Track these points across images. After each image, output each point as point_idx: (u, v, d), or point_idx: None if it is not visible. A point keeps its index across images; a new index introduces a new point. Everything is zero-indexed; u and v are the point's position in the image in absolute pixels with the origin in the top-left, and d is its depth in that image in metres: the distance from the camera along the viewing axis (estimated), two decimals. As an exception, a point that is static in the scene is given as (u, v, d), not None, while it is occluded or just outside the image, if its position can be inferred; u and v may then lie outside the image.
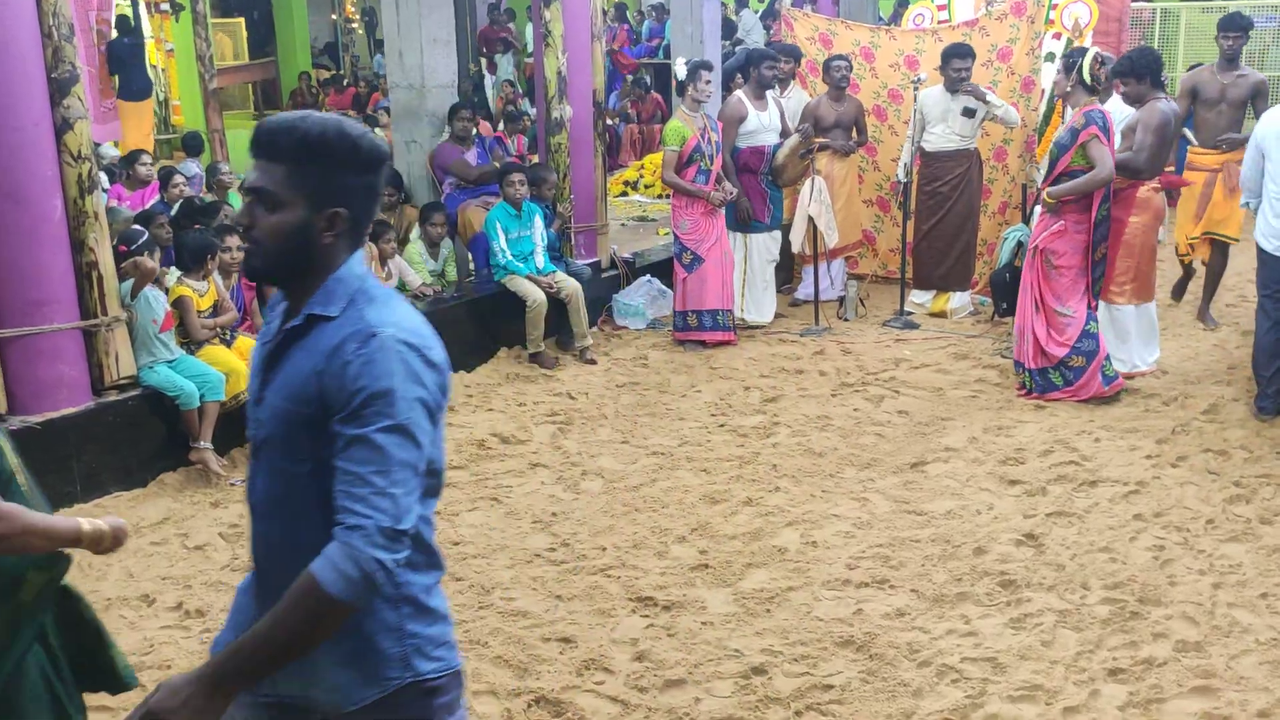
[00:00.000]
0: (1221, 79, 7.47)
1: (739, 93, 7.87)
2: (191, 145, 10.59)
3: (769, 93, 7.94)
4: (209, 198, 8.49)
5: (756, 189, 7.88)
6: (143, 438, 5.38)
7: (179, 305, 5.62)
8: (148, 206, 7.63)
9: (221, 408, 5.51)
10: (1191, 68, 11.60)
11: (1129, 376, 6.63)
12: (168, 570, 4.55)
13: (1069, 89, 6.18)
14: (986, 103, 7.79)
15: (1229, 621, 3.94)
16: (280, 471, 1.98)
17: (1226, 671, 3.65)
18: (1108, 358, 6.31)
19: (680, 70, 7.64)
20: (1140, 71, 6.35)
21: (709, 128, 7.51)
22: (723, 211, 7.63)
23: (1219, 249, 7.61)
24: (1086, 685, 3.61)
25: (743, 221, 7.81)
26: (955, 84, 7.77)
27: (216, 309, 5.82)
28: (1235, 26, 7.42)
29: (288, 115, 1.96)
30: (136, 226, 5.72)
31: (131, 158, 8.88)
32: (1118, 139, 6.34)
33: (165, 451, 5.45)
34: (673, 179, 7.52)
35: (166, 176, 8.33)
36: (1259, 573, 4.28)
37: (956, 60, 7.75)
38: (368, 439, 1.83)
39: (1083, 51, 6.23)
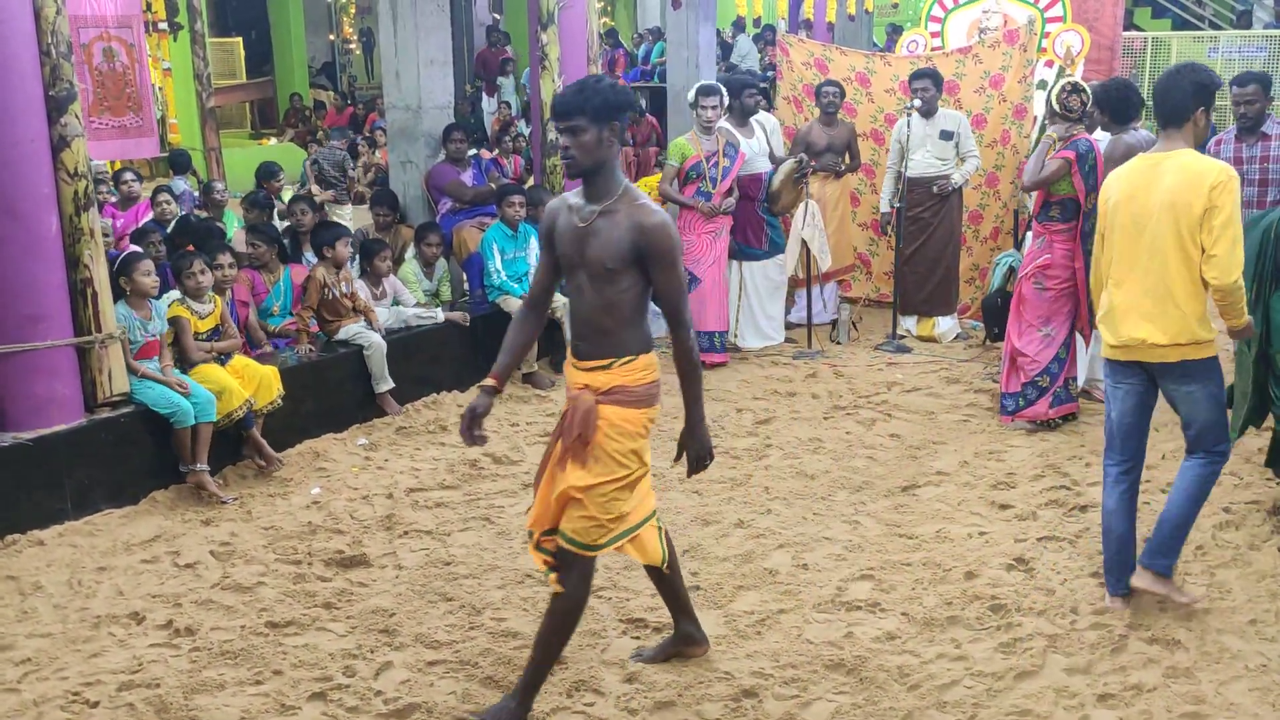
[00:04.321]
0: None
1: (724, 123, 7.90)
2: (178, 163, 10.62)
3: (752, 118, 8.01)
4: (202, 215, 8.53)
5: (753, 216, 7.92)
6: (134, 455, 5.38)
7: (174, 325, 5.62)
8: (141, 224, 7.65)
9: (214, 426, 5.50)
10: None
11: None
12: (158, 588, 4.54)
13: (1046, 121, 6.29)
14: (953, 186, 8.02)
15: (1218, 648, 3.95)
16: None
17: (1216, 698, 3.65)
18: (1066, 382, 6.33)
19: (690, 94, 7.71)
20: (1101, 104, 6.38)
21: (722, 153, 7.53)
22: (725, 235, 7.67)
23: None
24: (1076, 710, 3.61)
25: (740, 246, 7.84)
26: (926, 106, 7.88)
27: (220, 330, 5.83)
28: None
29: None
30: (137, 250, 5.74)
31: (117, 175, 8.91)
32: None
33: (157, 469, 5.44)
34: (664, 189, 7.66)
35: (157, 194, 8.36)
36: (1248, 599, 4.28)
37: (916, 81, 7.93)
38: None
39: (1067, 82, 6.31)
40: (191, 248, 6.33)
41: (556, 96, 3.49)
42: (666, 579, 3.85)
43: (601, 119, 3.31)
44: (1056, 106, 6.20)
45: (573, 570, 3.49)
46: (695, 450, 3.64)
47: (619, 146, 3.40)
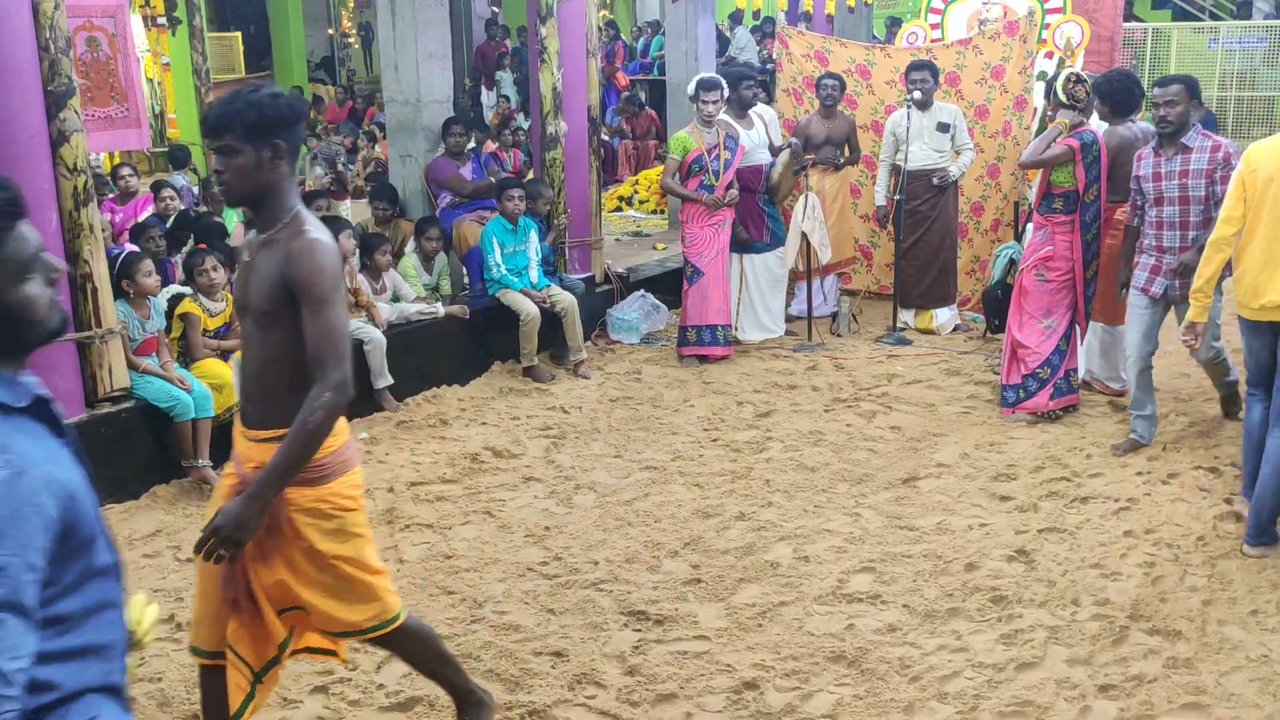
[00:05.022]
0: None
1: (723, 116, 7.88)
2: (177, 157, 10.60)
3: (751, 110, 8.00)
4: (201, 210, 8.52)
5: (754, 208, 7.92)
6: (135, 450, 5.38)
7: (185, 321, 5.63)
8: (140, 219, 7.64)
9: (214, 421, 5.50)
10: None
11: (1118, 394, 6.65)
12: (159, 583, 4.54)
13: (1051, 112, 6.29)
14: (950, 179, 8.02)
15: (1219, 638, 3.95)
16: None
17: (1216, 688, 3.66)
18: (1066, 374, 6.33)
19: (690, 88, 7.70)
20: (1101, 95, 6.37)
21: (722, 146, 7.53)
22: (728, 228, 7.67)
23: None
24: (1077, 701, 3.61)
25: (742, 243, 7.85)
26: (924, 98, 7.86)
27: (230, 326, 5.82)
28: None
29: None
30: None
31: (115, 170, 8.89)
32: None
33: (157, 464, 5.45)
34: (667, 183, 7.72)
35: (159, 189, 8.34)
36: (1249, 590, 4.29)
37: (914, 73, 7.92)
38: None
39: (1070, 73, 6.31)
40: (203, 245, 6.32)
41: (206, 111, 2.91)
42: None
43: (258, 138, 2.72)
44: (1063, 97, 6.19)
45: (392, 643, 3.14)
46: (225, 517, 2.70)
47: (289, 168, 2.80)
